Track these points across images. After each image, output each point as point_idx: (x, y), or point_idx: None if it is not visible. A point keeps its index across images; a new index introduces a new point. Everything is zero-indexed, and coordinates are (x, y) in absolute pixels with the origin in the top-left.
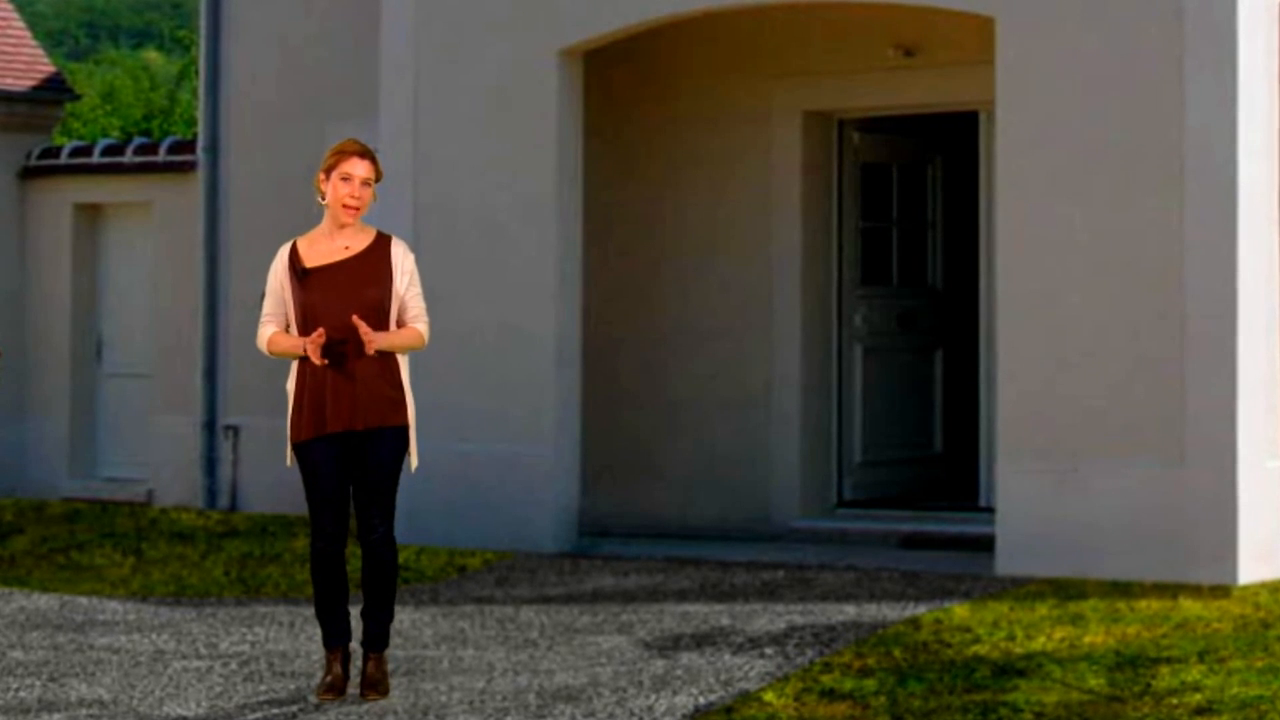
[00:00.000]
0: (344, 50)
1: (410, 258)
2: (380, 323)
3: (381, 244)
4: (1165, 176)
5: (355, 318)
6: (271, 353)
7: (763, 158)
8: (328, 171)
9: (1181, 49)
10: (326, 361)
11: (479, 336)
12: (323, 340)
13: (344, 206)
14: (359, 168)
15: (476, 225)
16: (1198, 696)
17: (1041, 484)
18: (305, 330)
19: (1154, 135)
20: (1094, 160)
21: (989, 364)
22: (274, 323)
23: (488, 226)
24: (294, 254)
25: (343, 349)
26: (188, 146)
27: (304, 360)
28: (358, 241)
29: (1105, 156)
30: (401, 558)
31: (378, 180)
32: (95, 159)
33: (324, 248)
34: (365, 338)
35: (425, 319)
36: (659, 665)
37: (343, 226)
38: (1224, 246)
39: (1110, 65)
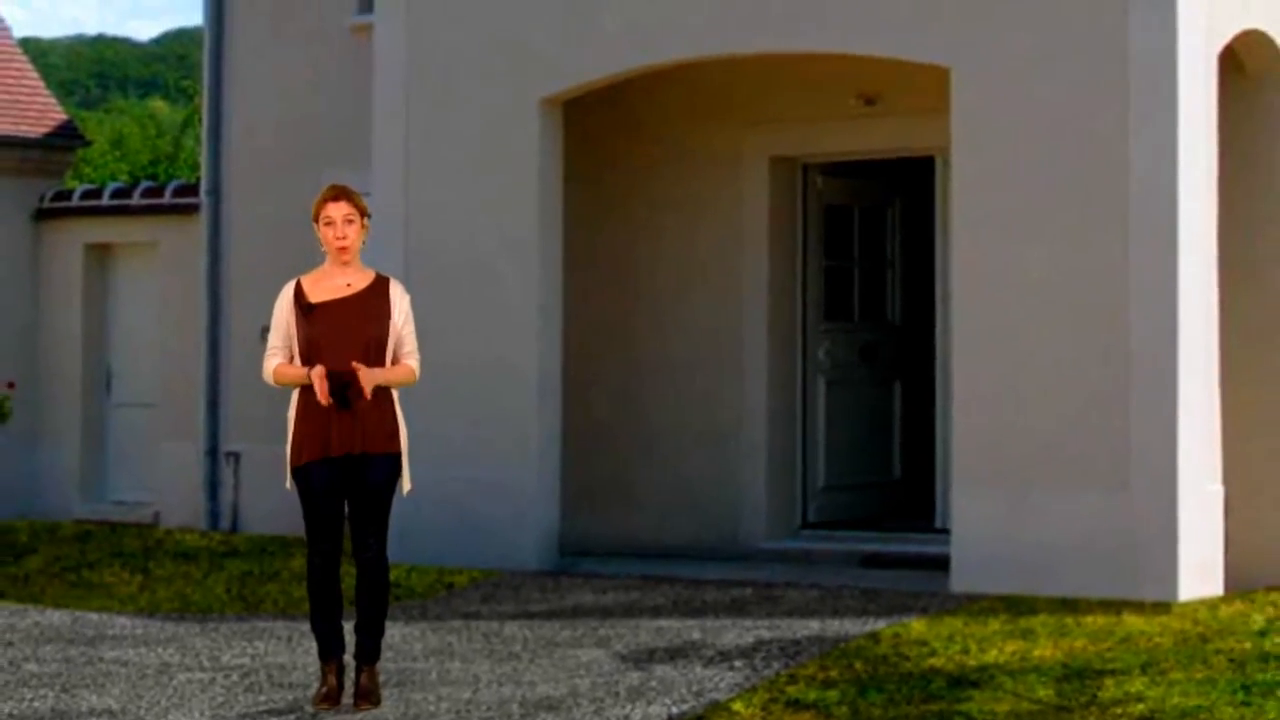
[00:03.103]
0: (338, 101)
1: (407, 298)
2: (378, 357)
3: (381, 284)
4: (1111, 219)
5: (354, 364)
6: (277, 382)
7: (733, 200)
8: (315, 220)
9: (1127, 99)
10: (332, 401)
11: (467, 370)
12: (325, 377)
13: (336, 248)
14: (338, 210)
15: (464, 265)
16: (1140, 706)
17: (994, 508)
18: (308, 361)
19: (1101, 180)
20: (1044, 203)
21: (945, 395)
22: (280, 354)
23: (475, 266)
24: (299, 290)
25: (345, 390)
26: (191, 190)
27: (306, 389)
28: (359, 280)
29: (1055, 200)
30: (393, 575)
31: (364, 214)
32: (105, 202)
33: (327, 285)
34: (363, 381)
35: (417, 355)
36: (635, 677)
37: (344, 265)
38: (1166, 287)
39: (1059, 114)
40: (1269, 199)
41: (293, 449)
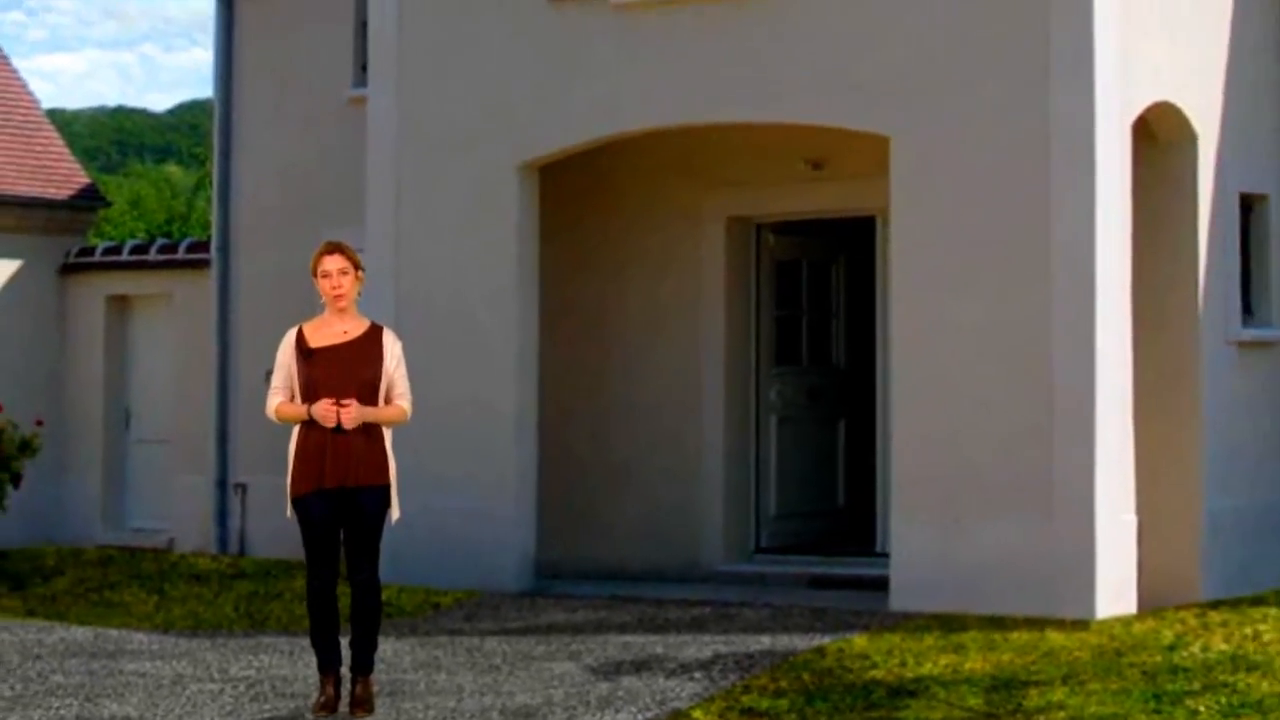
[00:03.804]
0: (335, 165)
1: (398, 345)
2: (371, 397)
3: (375, 332)
4: (1035, 274)
5: (344, 400)
6: (279, 418)
7: (693, 256)
8: (314, 273)
9: (1049, 165)
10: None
11: (452, 409)
12: (331, 410)
13: (333, 296)
14: (332, 263)
15: (449, 314)
16: (1062, 714)
17: (929, 534)
18: (308, 400)
19: (1026, 239)
20: (975, 259)
21: (885, 432)
22: (282, 394)
23: (459, 316)
24: (300, 336)
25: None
26: (203, 247)
27: (305, 425)
28: (355, 328)
29: (984, 256)
30: (384, 595)
31: (358, 267)
32: (124, 257)
33: (326, 332)
34: (347, 417)
35: (409, 397)
36: (603, 688)
37: (341, 313)
38: (1085, 333)
39: (988, 178)
40: (1178, 256)
41: (292, 481)
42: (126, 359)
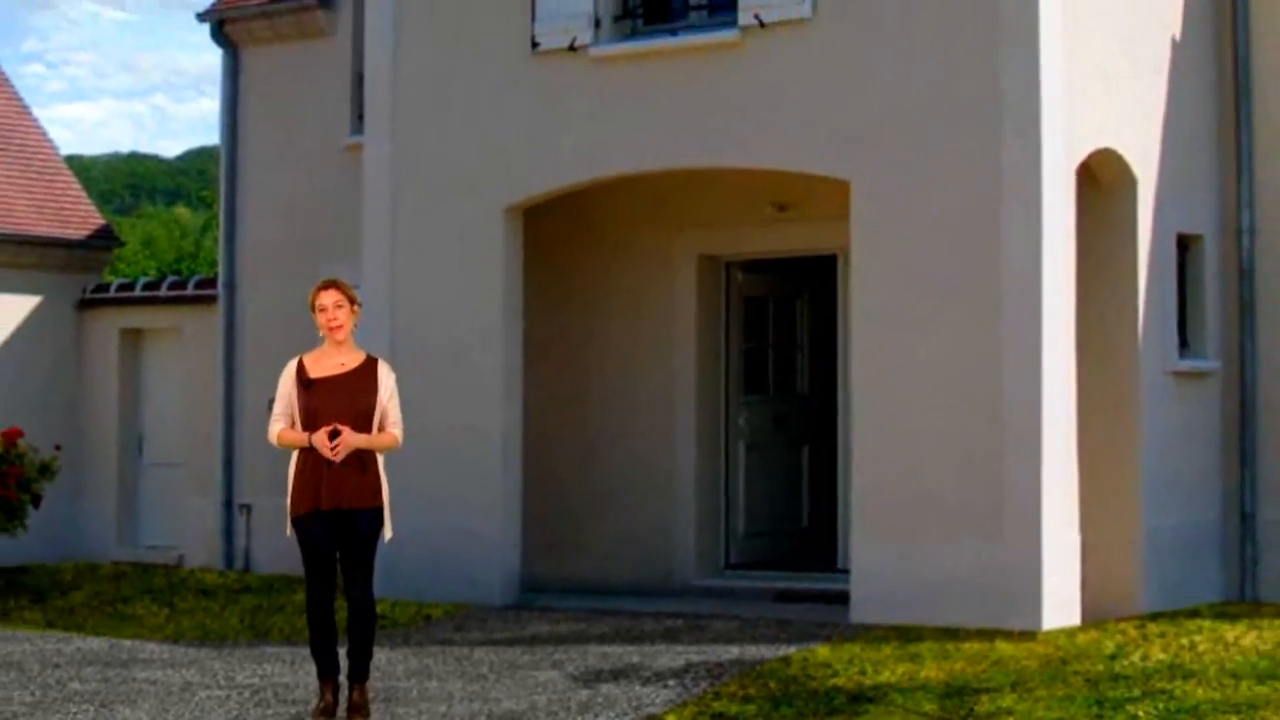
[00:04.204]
0: (334, 207)
1: (392, 376)
2: (366, 425)
3: (370, 363)
4: (986, 309)
5: (341, 425)
6: (280, 444)
7: (666, 292)
8: (312, 308)
9: (999, 208)
10: (339, 458)
11: (443, 435)
12: (328, 435)
13: (330, 329)
14: (329, 298)
15: (441, 347)
16: (1011, 719)
17: (887, 551)
18: (307, 427)
19: (977, 276)
20: (929, 295)
21: (846, 456)
22: (283, 421)
23: (450, 348)
24: (300, 367)
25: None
26: (210, 283)
27: (304, 451)
28: (351, 360)
29: (938, 292)
30: (379, 609)
31: (353, 301)
32: (137, 293)
33: (324, 363)
34: (354, 442)
35: (401, 425)
36: (584, 694)
37: (338, 345)
38: (1032, 365)
39: (942, 220)
40: (1119, 293)
41: (291, 503)
42: (139, 388)
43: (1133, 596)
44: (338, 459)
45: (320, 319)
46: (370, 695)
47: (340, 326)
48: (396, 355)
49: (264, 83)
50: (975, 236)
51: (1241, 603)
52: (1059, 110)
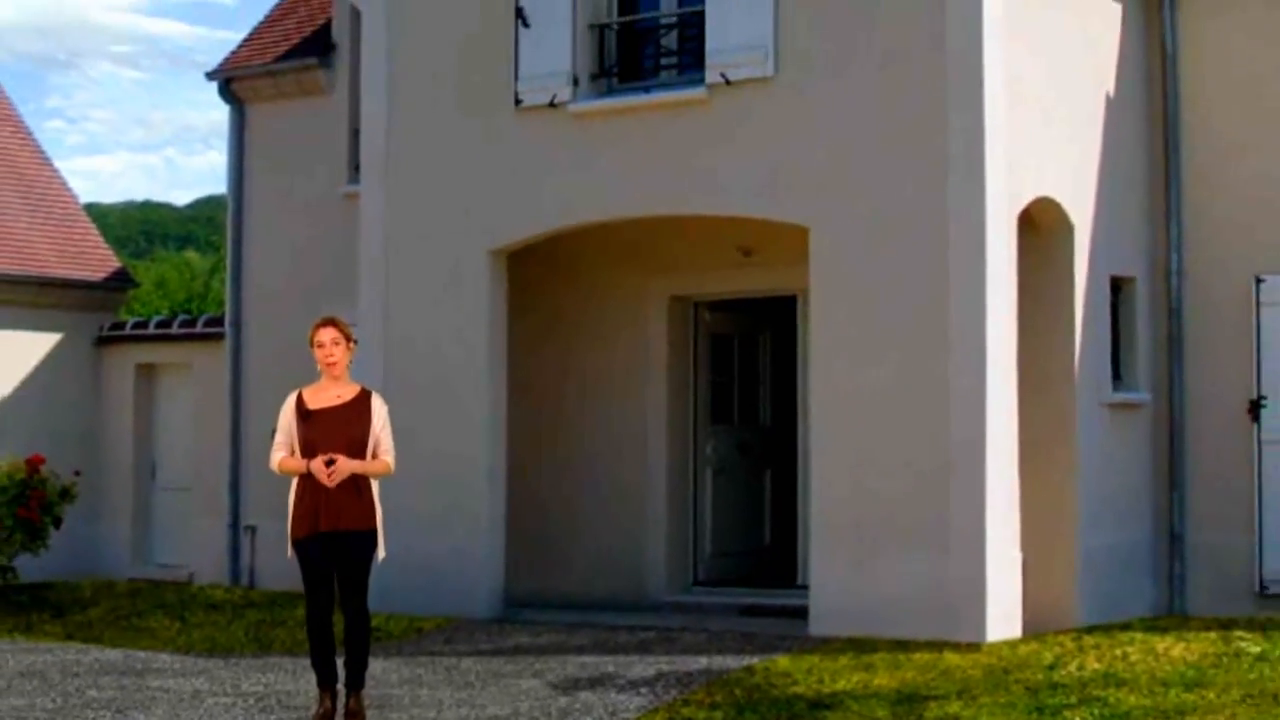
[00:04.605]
0: (332, 251)
1: (385, 408)
2: (360, 453)
3: (364, 396)
4: (935, 345)
5: (336, 454)
6: (281, 471)
7: (639, 330)
8: (311, 344)
9: (946, 252)
10: (334, 484)
11: (433, 461)
12: (325, 464)
13: (327, 364)
14: (326, 335)
15: (430, 380)
16: None
17: (844, 569)
18: (306, 455)
19: (926, 315)
20: (882, 332)
21: (805, 481)
22: (283, 449)
23: (438, 382)
24: (300, 399)
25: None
26: (218, 322)
27: (303, 477)
28: (347, 393)
29: (890, 329)
30: (373, 622)
31: (349, 338)
32: (150, 330)
33: (322, 396)
34: (350, 467)
35: (393, 453)
36: (563, 701)
37: (335, 379)
38: (977, 397)
39: (894, 263)
40: (1057, 330)
41: (291, 525)
42: (152, 418)
43: (1070, 610)
44: (333, 484)
45: (318, 354)
46: (366, 702)
47: (336, 362)
48: (390, 388)
49: (268, 136)
50: (924, 278)
51: (1170, 616)
52: (1001, 161)
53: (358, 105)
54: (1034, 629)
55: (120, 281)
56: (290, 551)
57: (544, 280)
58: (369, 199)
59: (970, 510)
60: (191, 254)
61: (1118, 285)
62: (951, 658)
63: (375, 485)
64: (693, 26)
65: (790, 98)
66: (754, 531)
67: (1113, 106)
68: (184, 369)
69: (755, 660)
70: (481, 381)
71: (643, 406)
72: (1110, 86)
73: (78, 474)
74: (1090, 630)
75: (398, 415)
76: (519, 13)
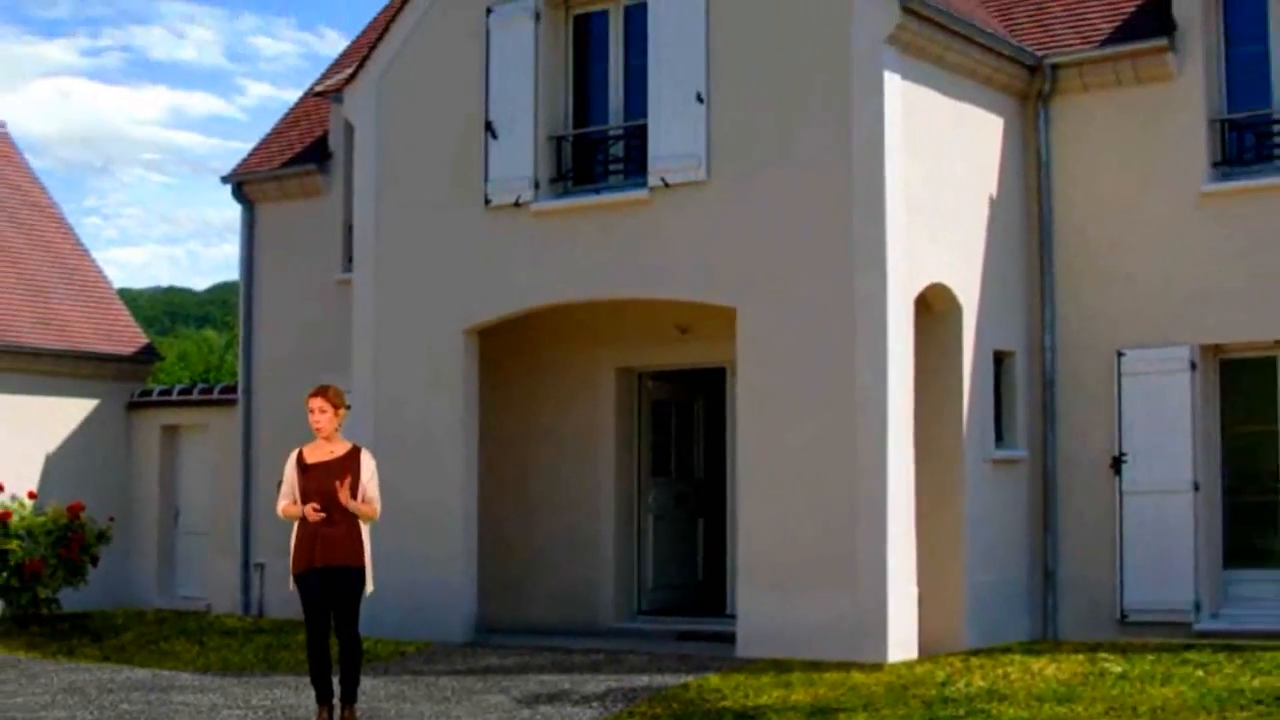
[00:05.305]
0: (329, 328)
1: (372, 461)
2: (350, 499)
3: (354, 452)
4: (843, 411)
5: (338, 484)
6: (284, 516)
7: (591, 396)
8: (307, 410)
9: (854, 330)
10: (322, 518)
11: (415, 508)
12: (316, 509)
13: (315, 428)
14: (315, 404)
15: (413, 439)
16: None
17: (766, 600)
18: (305, 503)
19: (836, 384)
20: (798, 399)
21: (733, 525)
22: (287, 498)
23: (421, 439)
24: (300, 456)
25: (330, 512)
26: (232, 390)
27: (302, 521)
28: (340, 449)
29: (805, 396)
30: (365, 645)
31: (338, 406)
32: (174, 397)
33: (318, 452)
34: (342, 498)
35: (379, 500)
36: (526, 713)
37: (327, 439)
38: (879, 455)
39: (809, 340)
40: (947, 397)
41: (293, 562)
42: (175, 472)
43: (959, 636)
44: (316, 518)
45: (310, 419)
46: (358, 714)
47: (321, 427)
48: (379, 445)
49: (274, 231)
50: (834, 352)
51: (1045, 641)
52: (900, 254)
53: (350, 205)
54: (928, 652)
55: (148, 355)
56: (292, 585)
57: (511, 354)
58: (360, 285)
59: (874, 551)
60: (209, 332)
61: (1000, 358)
62: (858, 676)
63: (365, 528)
64: (636, 138)
65: (720, 198)
66: (689, 568)
67: (996, 207)
68: (202, 430)
69: (690, 678)
70: (457, 440)
71: (594, 462)
72: (994, 190)
73: (112, 519)
74: (976, 653)
75: (385, 469)
76: (488, 126)
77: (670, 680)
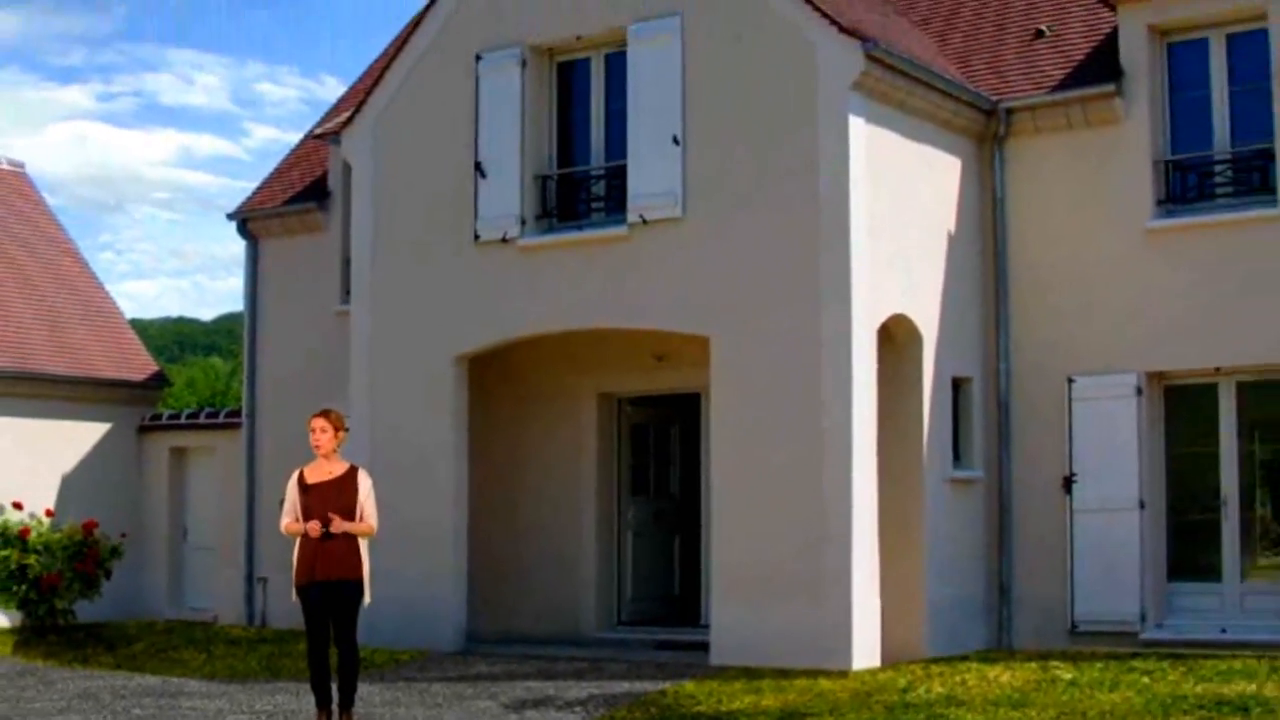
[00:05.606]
0: (329, 356)
1: (369, 480)
2: (348, 517)
3: (352, 471)
4: (811, 438)
5: (331, 514)
6: (287, 533)
7: (574, 421)
8: (309, 430)
9: (820, 360)
10: (321, 535)
11: (409, 525)
12: (318, 527)
13: (314, 447)
14: (316, 424)
15: (409, 459)
16: None
17: (738, 611)
18: (306, 519)
19: (804, 413)
20: (768, 423)
21: (707, 541)
22: (289, 515)
23: (415, 460)
24: (301, 475)
25: (327, 529)
26: (236, 414)
27: (304, 537)
28: (338, 469)
29: (775, 421)
30: (362, 654)
31: (338, 428)
32: (182, 421)
33: (318, 472)
34: (334, 527)
35: (375, 517)
36: (513, 717)
37: (326, 458)
38: (844, 476)
39: (779, 369)
40: (909, 421)
41: (295, 575)
42: (184, 491)
43: (920, 646)
44: (317, 534)
45: (311, 441)
46: (356, 719)
47: (321, 446)
48: (375, 466)
49: (277, 265)
50: (802, 379)
51: (1000, 650)
52: (864, 286)
53: (348, 240)
54: (891, 661)
55: (158, 382)
56: (294, 597)
57: (499, 380)
58: (358, 315)
59: (840, 566)
60: (215, 359)
61: (958, 384)
62: (825, 683)
63: (363, 543)
64: (617, 177)
65: (696, 235)
66: (666, 582)
67: (954, 242)
68: (209, 452)
69: (667, 685)
70: (449, 461)
71: (577, 481)
72: (952, 226)
73: (124, 535)
74: (936, 661)
75: (381, 488)
76: (478, 167)
77: (649, 687)
